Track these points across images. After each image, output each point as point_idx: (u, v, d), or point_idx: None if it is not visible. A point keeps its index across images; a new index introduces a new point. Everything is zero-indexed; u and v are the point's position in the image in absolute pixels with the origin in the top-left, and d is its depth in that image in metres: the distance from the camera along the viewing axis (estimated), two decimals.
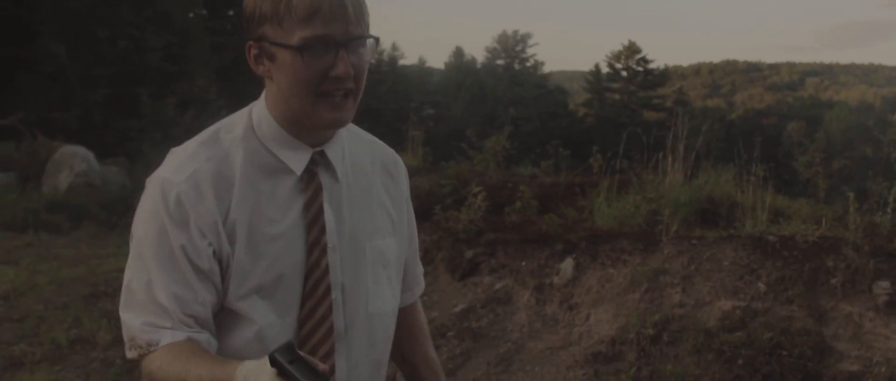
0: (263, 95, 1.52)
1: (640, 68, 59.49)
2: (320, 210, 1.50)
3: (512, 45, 68.02)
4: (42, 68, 19.40)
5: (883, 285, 4.39)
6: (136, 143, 17.46)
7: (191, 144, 1.50)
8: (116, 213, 12.12)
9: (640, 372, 3.93)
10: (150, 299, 1.42)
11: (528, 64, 67.59)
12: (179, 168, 1.44)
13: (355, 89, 1.44)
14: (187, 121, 19.35)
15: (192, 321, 1.42)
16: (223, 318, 1.48)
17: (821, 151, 5.29)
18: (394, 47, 60.63)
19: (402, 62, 62.48)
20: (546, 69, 70.50)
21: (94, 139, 16.73)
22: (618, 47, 59.16)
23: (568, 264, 4.95)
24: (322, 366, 1.20)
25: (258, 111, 1.51)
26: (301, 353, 1.20)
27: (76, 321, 6.35)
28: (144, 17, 21.27)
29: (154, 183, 1.45)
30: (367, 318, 1.57)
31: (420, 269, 1.82)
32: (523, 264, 5.10)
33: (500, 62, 67.94)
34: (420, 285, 1.82)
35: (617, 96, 58.25)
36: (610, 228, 5.45)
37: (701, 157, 6.50)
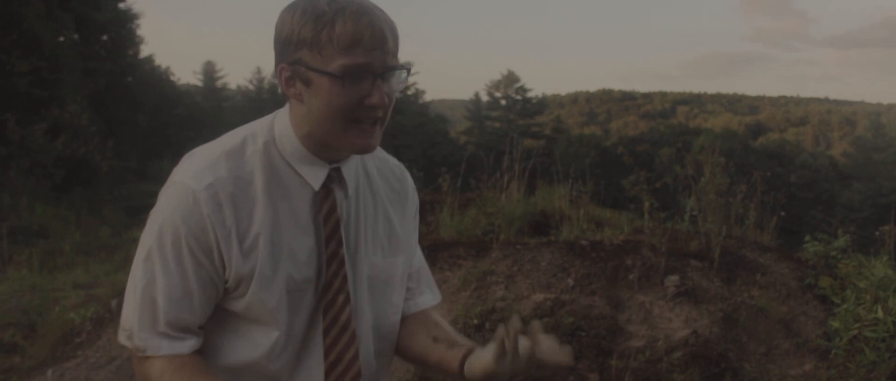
0: (287, 109, 1.52)
1: (519, 97, 61.04)
2: (337, 224, 1.52)
3: None
4: None
5: (672, 279, 5.20)
6: (2, 171, 17.00)
7: (213, 151, 1.49)
8: None
9: None
10: (148, 299, 1.45)
11: (410, 92, 68.47)
12: (200, 175, 1.44)
13: (384, 117, 1.46)
14: (58, 148, 18.99)
15: (183, 329, 1.47)
16: (239, 323, 1.52)
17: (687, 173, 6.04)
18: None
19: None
20: (427, 98, 71.57)
21: None
22: (497, 76, 60.60)
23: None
24: None
25: (281, 127, 1.51)
26: None
27: None
28: (10, 40, 20.67)
29: (173, 187, 1.45)
30: (365, 332, 1.61)
31: (429, 281, 1.81)
32: None
33: None
34: (429, 297, 1.80)
35: (497, 124, 59.59)
36: (451, 238, 6.11)
37: (537, 176, 7.26)
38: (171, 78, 46.42)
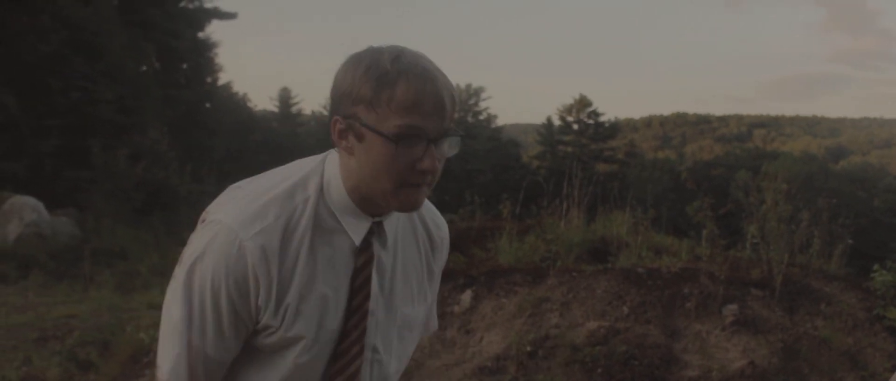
0: (335, 156, 1.52)
1: (591, 121, 60.52)
2: (368, 279, 1.53)
3: (465, 99, 69.17)
4: None
5: (731, 308, 5.14)
6: (86, 194, 17.66)
7: (261, 194, 1.49)
8: (65, 263, 12.35)
9: None
10: (186, 341, 1.47)
11: (482, 117, 68.72)
12: (248, 223, 1.44)
13: (432, 181, 1.46)
14: (139, 172, 19.70)
15: (211, 374, 1.51)
16: (256, 355, 1.54)
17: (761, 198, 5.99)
18: None
19: None
20: (499, 122, 71.68)
21: (45, 190, 16.89)
22: (569, 101, 60.28)
23: (467, 296, 5.63)
24: None
25: (329, 174, 1.51)
26: None
27: (26, 360, 6.56)
28: (97, 69, 21.54)
29: (219, 230, 1.45)
30: (387, 377, 1.64)
31: (433, 317, 1.86)
32: None
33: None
34: (434, 328, 1.88)
35: (569, 149, 59.20)
36: (509, 265, 6.15)
37: (598, 202, 7.26)
38: (248, 104, 47.62)
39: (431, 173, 1.43)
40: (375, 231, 1.53)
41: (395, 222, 1.59)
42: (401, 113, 1.36)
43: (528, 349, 4.81)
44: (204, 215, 1.52)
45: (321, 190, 1.50)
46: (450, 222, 8.02)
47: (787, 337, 4.95)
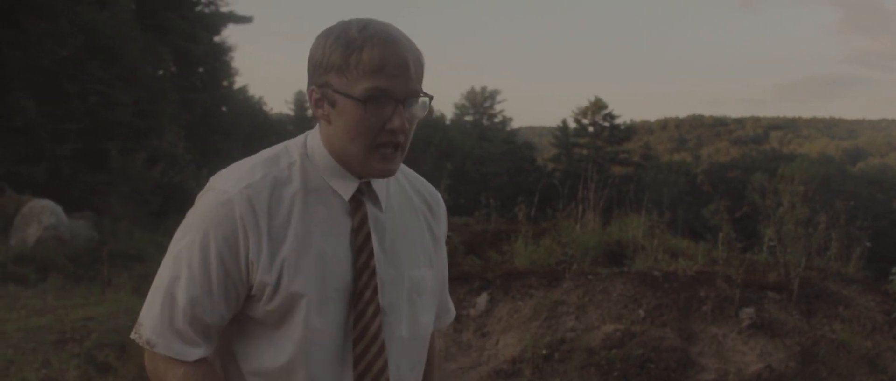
0: (317, 129, 1.60)
1: (606, 124, 60.31)
2: (368, 236, 1.56)
3: (480, 102, 69.12)
4: (11, 123, 19.71)
5: (747, 311, 5.11)
6: (104, 197, 17.78)
7: (252, 161, 1.58)
8: (83, 265, 12.43)
9: None
10: (169, 296, 1.50)
11: (497, 120, 68.63)
12: (236, 180, 1.52)
13: (404, 143, 1.53)
14: (156, 175, 19.82)
15: (198, 332, 1.51)
16: (268, 330, 1.55)
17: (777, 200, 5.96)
18: None
19: None
20: (514, 125, 71.58)
21: (63, 193, 17.02)
22: (585, 103, 60.06)
23: (483, 299, 5.63)
24: None
25: (312, 142, 1.59)
26: None
27: (45, 362, 6.54)
28: (114, 73, 21.70)
29: (208, 193, 1.53)
30: (400, 342, 1.62)
31: (448, 302, 1.89)
32: None
33: (468, 118, 68.91)
34: (451, 313, 1.91)
35: (584, 151, 58.99)
36: (525, 267, 6.15)
37: (614, 204, 7.24)
38: (264, 108, 47.80)
39: (402, 133, 1.50)
40: (364, 190, 1.58)
41: (385, 186, 1.63)
42: (368, 76, 1.45)
43: (544, 352, 4.81)
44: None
45: (306, 155, 1.57)
46: (465, 225, 8.04)
47: (804, 341, 4.92)
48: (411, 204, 1.69)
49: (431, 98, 1.54)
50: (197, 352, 1.51)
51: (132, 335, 1.56)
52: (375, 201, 1.60)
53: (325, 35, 1.51)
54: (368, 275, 1.56)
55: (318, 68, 1.50)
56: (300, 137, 1.63)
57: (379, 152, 1.50)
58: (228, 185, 1.51)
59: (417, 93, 1.51)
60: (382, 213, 1.61)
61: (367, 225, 1.57)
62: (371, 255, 1.56)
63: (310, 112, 1.60)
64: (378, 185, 1.60)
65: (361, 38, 1.46)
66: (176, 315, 1.49)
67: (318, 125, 1.59)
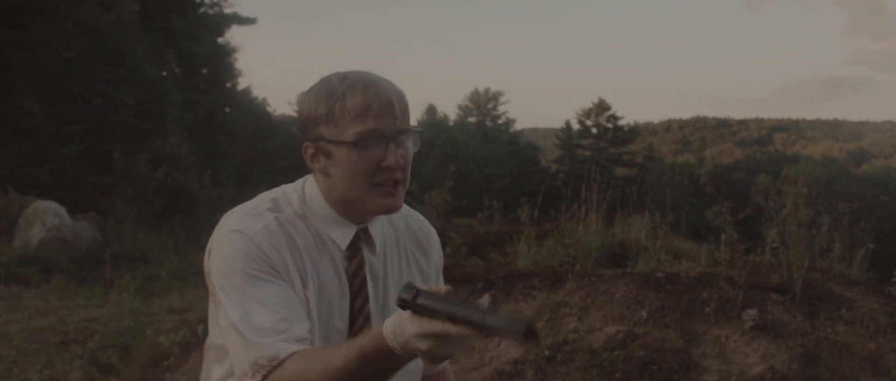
0: (313, 178, 1.62)
1: (610, 125, 60.27)
2: (364, 282, 1.61)
3: (484, 103, 69.23)
4: (16, 124, 19.77)
5: (750, 313, 5.11)
6: (107, 198, 17.83)
7: (254, 207, 1.58)
8: (87, 267, 12.48)
9: None
10: (252, 327, 1.44)
11: (500, 121, 68.73)
12: (248, 224, 1.52)
13: (404, 179, 1.56)
14: (159, 177, 19.86)
15: (298, 340, 1.46)
16: None
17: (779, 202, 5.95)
18: None
19: None
20: (517, 126, 71.68)
21: (66, 194, 17.08)
22: (588, 104, 60.04)
23: (485, 300, 5.63)
24: (445, 287, 1.32)
25: (310, 190, 1.61)
26: (417, 285, 1.30)
27: (48, 363, 6.68)
28: (118, 74, 21.77)
29: (226, 236, 1.52)
30: None
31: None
32: None
33: (471, 120, 69.02)
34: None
35: (588, 153, 58.97)
36: (528, 269, 6.15)
37: (617, 206, 7.24)
38: (268, 109, 47.82)
39: (399, 170, 1.54)
40: (362, 237, 1.62)
41: (380, 229, 1.66)
42: (355, 120, 1.50)
43: (547, 353, 4.81)
44: (208, 247, 1.58)
45: (304, 203, 1.60)
46: (468, 227, 8.02)
47: (807, 342, 4.91)
48: (401, 245, 1.72)
49: (420, 132, 1.60)
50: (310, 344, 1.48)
51: (252, 379, 1.44)
52: (372, 246, 1.64)
53: (309, 92, 1.57)
54: (363, 319, 1.61)
55: (308, 123, 1.55)
56: (297, 184, 1.65)
57: (380, 190, 1.54)
58: (244, 227, 1.52)
59: (406, 129, 1.55)
60: (376, 256, 1.65)
61: (363, 270, 1.62)
62: (366, 299, 1.61)
63: (308, 167, 1.62)
64: (375, 230, 1.64)
65: (343, 86, 1.51)
66: (267, 332, 1.43)
67: (313, 176, 1.63)
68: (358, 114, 1.50)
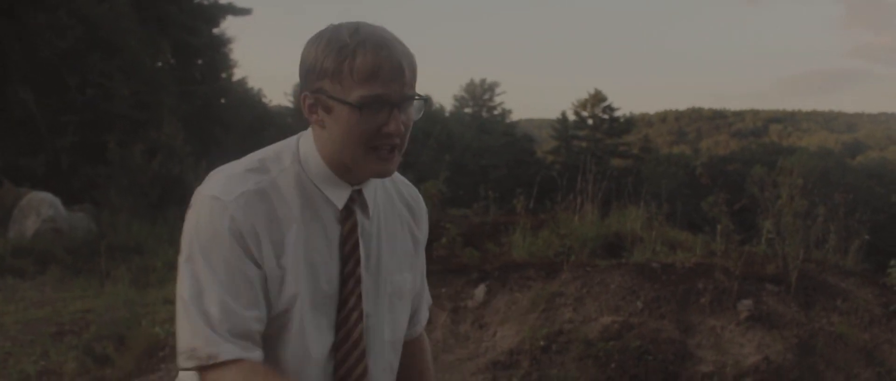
0: (310, 132, 1.59)
1: (605, 116, 60.26)
2: (356, 244, 1.59)
3: (480, 94, 69.01)
4: (10, 115, 19.68)
5: (745, 303, 5.12)
6: (102, 189, 17.75)
7: (236, 168, 1.55)
8: (82, 258, 12.44)
9: (531, 376, 4.62)
10: (201, 311, 1.44)
11: (496, 112, 68.51)
12: (227, 189, 1.49)
13: (401, 144, 1.54)
14: (155, 167, 19.80)
15: (244, 337, 1.46)
16: (265, 341, 1.53)
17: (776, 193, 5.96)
18: None
19: None
20: (513, 117, 71.46)
21: (61, 185, 16.99)
22: (584, 96, 60.01)
23: (481, 290, 5.64)
24: None
25: (305, 148, 1.58)
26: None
27: (44, 354, 6.66)
28: (113, 65, 21.65)
29: (203, 201, 1.50)
30: (382, 345, 1.67)
31: (427, 302, 1.92)
32: (443, 290, 5.77)
33: (467, 111, 68.83)
34: (425, 316, 1.92)
35: (583, 144, 58.93)
36: (523, 259, 6.15)
37: (613, 197, 7.25)
38: (263, 100, 47.64)
39: (398, 137, 1.50)
40: (356, 199, 1.60)
41: (373, 192, 1.65)
42: (363, 82, 1.44)
43: (542, 343, 4.82)
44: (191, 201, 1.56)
45: (298, 162, 1.57)
46: (464, 217, 8.03)
47: (802, 333, 4.92)
48: (395, 210, 1.72)
49: (426, 100, 1.56)
50: (257, 355, 1.47)
51: (183, 364, 1.47)
52: (365, 208, 1.62)
53: (317, 40, 1.50)
54: (354, 282, 1.59)
55: (311, 74, 1.50)
56: (292, 140, 1.62)
57: (375, 154, 1.51)
58: (221, 193, 1.49)
59: (412, 96, 1.51)
60: (369, 219, 1.63)
61: (355, 233, 1.60)
62: (357, 263, 1.59)
63: (304, 115, 1.58)
64: (368, 192, 1.62)
65: (354, 42, 1.45)
66: (215, 327, 1.44)
67: (310, 129, 1.59)
68: (366, 77, 1.44)
